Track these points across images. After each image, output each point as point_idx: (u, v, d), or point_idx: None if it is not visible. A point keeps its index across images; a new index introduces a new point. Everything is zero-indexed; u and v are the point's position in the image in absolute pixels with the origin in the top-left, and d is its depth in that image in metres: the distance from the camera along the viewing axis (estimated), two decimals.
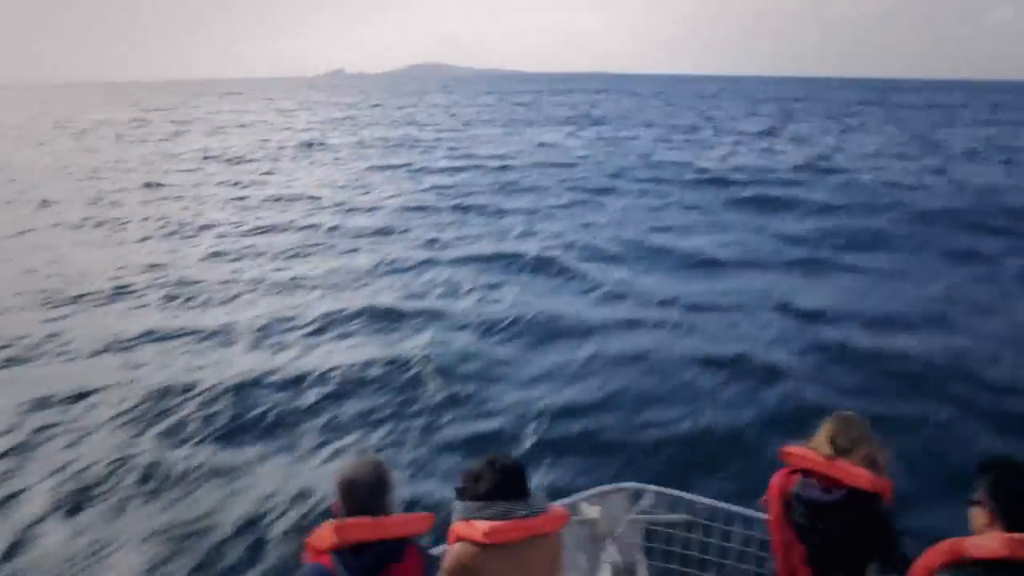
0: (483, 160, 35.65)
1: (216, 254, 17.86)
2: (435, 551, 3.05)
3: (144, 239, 19.59)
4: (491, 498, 2.77)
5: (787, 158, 36.26)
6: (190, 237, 19.91)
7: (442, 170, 32.74)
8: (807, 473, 3.07)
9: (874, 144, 43.40)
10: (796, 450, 3.13)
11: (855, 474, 2.93)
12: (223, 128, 59.38)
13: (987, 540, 2.32)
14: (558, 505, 3.14)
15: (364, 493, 2.61)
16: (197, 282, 15.25)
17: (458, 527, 2.79)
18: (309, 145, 44.33)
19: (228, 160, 37.64)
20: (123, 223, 21.62)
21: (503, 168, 32.93)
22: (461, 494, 2.85)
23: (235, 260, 17.29)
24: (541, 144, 43.20)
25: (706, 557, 4.30)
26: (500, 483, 2.79)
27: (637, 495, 4.36)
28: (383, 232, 20.06)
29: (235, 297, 14.37)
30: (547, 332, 12.38)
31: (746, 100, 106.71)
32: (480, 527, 2.70)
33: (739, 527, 4.18)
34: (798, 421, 7.19)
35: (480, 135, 50.45)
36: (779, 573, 3.25)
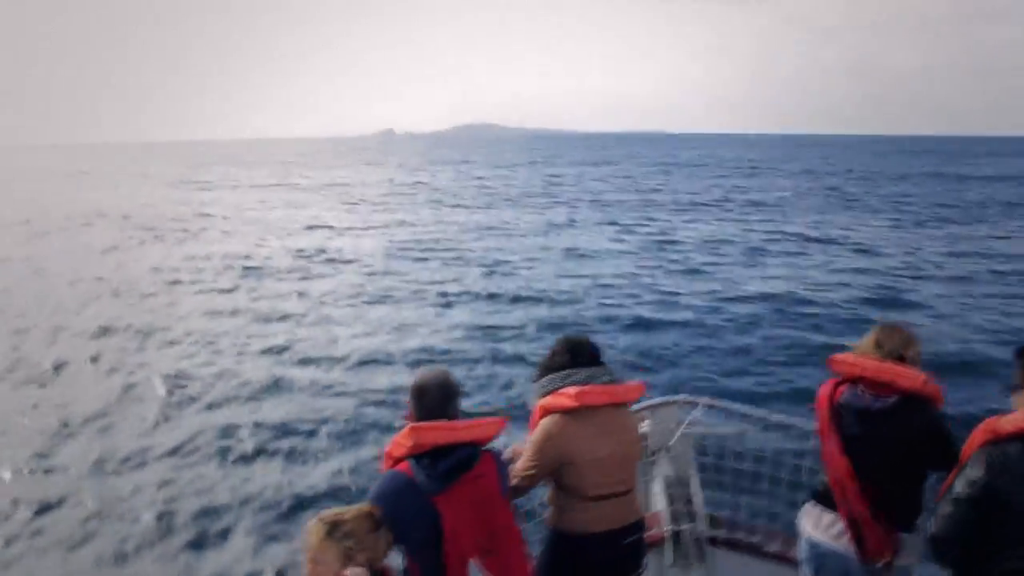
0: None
1: None
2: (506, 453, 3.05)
3: None
4: (573, 367, 2.91)
5: None
6: None
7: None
8: (855, 382, 2.96)
9: None
10: (844, 357, 3.02)
11: (907, 376, 2.82)
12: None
13: (1020, 415, 2.43)
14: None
15: (435, 398, 2.65)
16: None
17: (544, 401, 2.90)
18: None
19: None
20: None
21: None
22: (542, 371, 2.98)
23: None
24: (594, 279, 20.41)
25: (759, 469, 4.17)
26: (577, 352, 2.95)
27: (688, 407, 4.23)
28: None
29: None
30: None
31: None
32: (569, 392, 2.82)
33: (793, 438, 4.11)
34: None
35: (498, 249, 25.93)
36: (831, 484, 3.02)
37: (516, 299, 16.89)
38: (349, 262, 22.89)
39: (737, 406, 4.21)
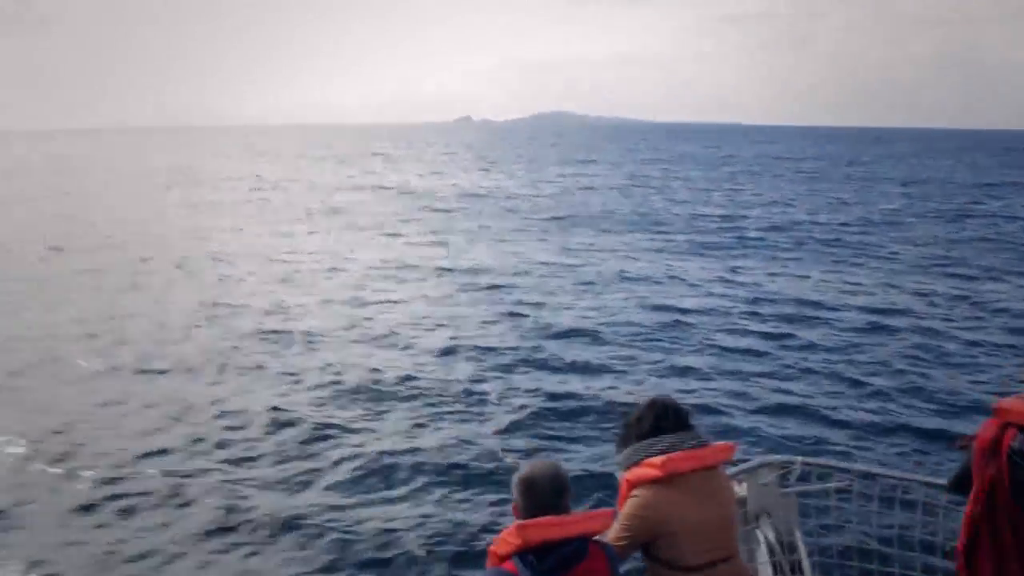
0: None
1: None
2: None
3: None
4: (656, 434, 2.85)
5: None
6: None
7: None
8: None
9: None
10: (1013, 405, 2.77)
11: None
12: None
13: None
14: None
15: (545, 491, 2.62)
16: None
17: (630, 475, 2.84)
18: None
19: None
20: None
21: None
22: (624, 441, 2.96)
23: None
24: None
25: (865, 527, 4.14)
26: (663, 417, 2.88)
27: (785, 468, 4.11)
28: None
29: None
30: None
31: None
32: (654, 462, 2.76)
33: (900, 493, 4.00)
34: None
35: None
36: (969, 535, 2.90)
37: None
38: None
39: (837, 463, 4.10)
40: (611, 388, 11.40)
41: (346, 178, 59.59)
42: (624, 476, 2.89)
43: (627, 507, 2.82)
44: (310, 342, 14.33)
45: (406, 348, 13.99)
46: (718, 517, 2.86)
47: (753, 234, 28.87)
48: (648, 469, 2.79)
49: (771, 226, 31.16)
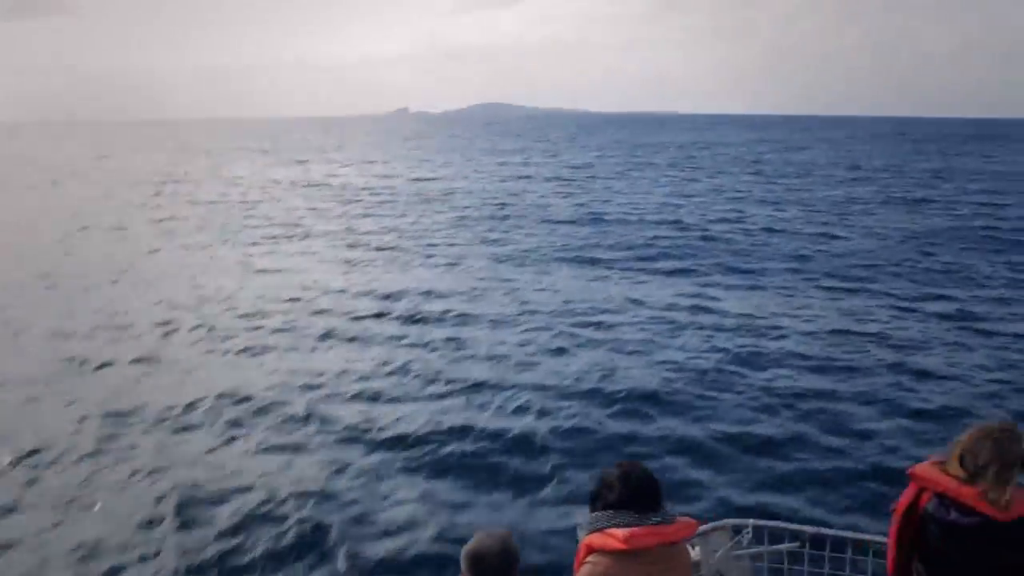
0: None
1: None
2: None
3: None
4: (624, 507, 2.74)
5: None
6: None
7: None
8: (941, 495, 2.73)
9: None
10: (925, 472, 2.78)
11: (990, 504, 2.58)
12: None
13: None
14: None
15: (492, 567, 2.58)
16: None
17: (592, 539, 2.74)
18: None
19: None
20: None
21: None
22: (593, 503, 2.84)
23: None
24: None
25: None
26: (637, 490, 2.76)
27: (737, 530, 4.15)
28: None
29: None
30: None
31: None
32: (618, 534, 2.67)
33: (851, 553, 4.01)
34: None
35: None
36: None
37: None
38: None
39: (789, 525, 4.14)
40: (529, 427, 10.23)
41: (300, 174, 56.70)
42: (585, 540, 2.81)
43: (584, 571, 2.76)
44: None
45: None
46: None
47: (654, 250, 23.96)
48: (610, 539, 2.70)
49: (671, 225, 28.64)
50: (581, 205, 34.20)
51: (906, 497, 2.84)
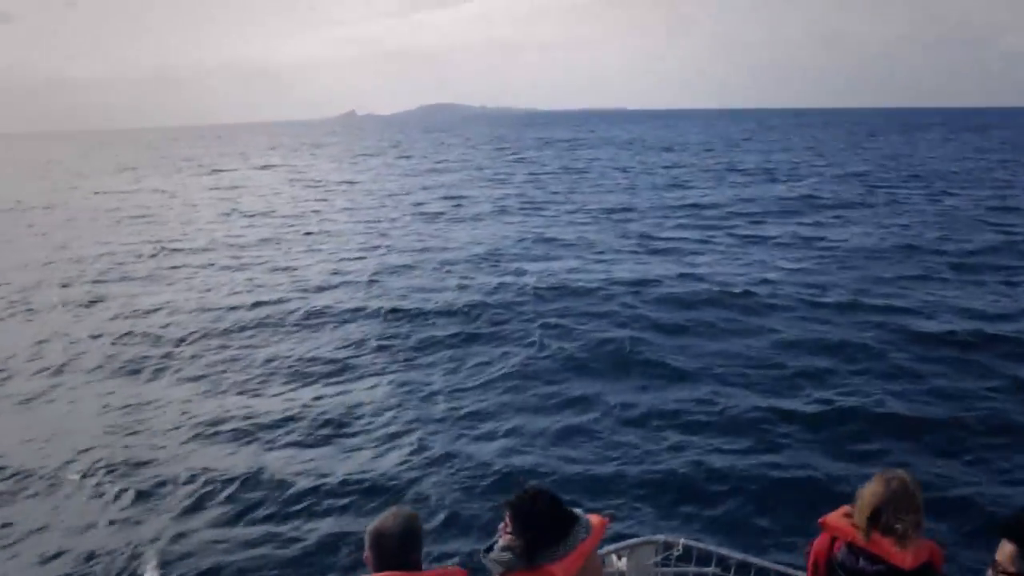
0: None
1: None
2: None
3: None
4: (545, 545, 2.73)
5: None
6: None
7: None
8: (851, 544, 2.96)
9: None
10: (835, 522, 3.00)
11: (894, 554, 2.79)
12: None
13: None
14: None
15: (393, 547, 2.57)
16: None
17: (529, 574, 2.74)
18: None
19: None
20: None
21: None
22: (494, 544, 2.80)
23: None
24: None
25: None
26: (538, 528, 2.73)
27: (666, 547, 4.20)
28: None
29: None
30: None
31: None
32: (554, 571, 2.68)
33: None
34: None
35: None
36: None
37: None
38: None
39: (716, 548, 4.20)
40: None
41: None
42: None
43: None
44: None
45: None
46: None
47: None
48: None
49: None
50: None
51: (819, 544, 3.03)
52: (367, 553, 2.60)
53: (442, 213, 31.96)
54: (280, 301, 17.54)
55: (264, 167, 68.58)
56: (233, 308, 17.07)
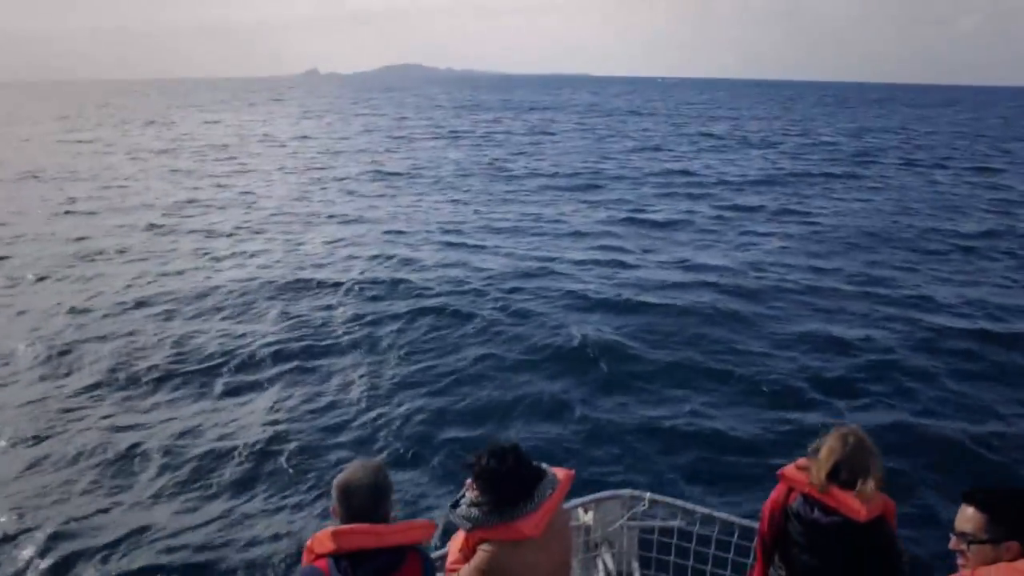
0: None
1: None
2: (437, 553, 3.24)
3: None
4: (508, 504, 2.75)
5: None
6: None
7: None
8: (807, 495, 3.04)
9: None
10: (793, 474, 3.08)
11: (850, 506, 2.87)
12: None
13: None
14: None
15: (362, 498, 2.53)
16: None
17: (473, 533, 2.79)
18: None
19: None
20: None
21: None
22: (461, 501, 2.84)
23: None
24: None
25: (701, 567, 4.26)
26: (516, 485, 2.77)
27: (633, 502, 4.24)
28: None
29: None
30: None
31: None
32: (508, 529, 2.72)
33: (737, 538, 4.17)
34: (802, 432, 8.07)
35: None
36: None
37: None
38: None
39: (683, 503, 4.24)
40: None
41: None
42: (464, 532, 2.81)
43: (479, 561, 2.75)
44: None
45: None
46: (555, 563, 2.90)
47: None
48: (499, 533, 2.73)
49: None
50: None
51: (776, 494, 3.13)
52: (334, 505, 2.56)
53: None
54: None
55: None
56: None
